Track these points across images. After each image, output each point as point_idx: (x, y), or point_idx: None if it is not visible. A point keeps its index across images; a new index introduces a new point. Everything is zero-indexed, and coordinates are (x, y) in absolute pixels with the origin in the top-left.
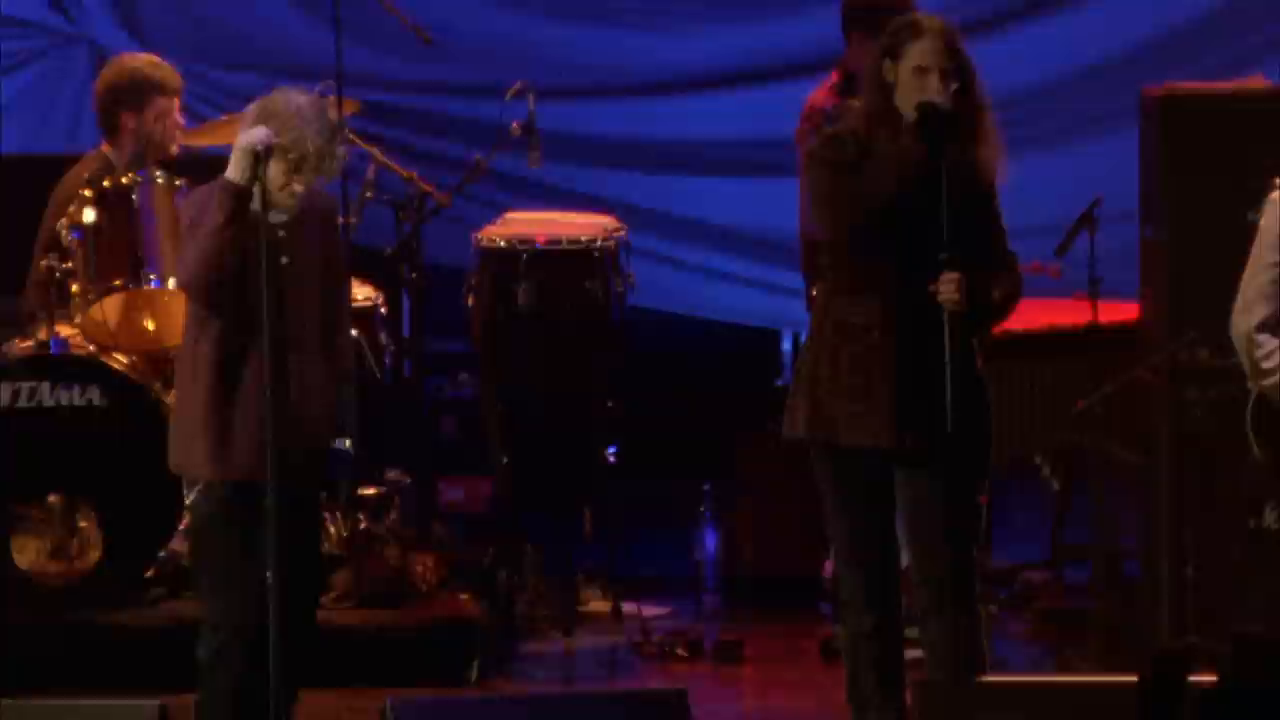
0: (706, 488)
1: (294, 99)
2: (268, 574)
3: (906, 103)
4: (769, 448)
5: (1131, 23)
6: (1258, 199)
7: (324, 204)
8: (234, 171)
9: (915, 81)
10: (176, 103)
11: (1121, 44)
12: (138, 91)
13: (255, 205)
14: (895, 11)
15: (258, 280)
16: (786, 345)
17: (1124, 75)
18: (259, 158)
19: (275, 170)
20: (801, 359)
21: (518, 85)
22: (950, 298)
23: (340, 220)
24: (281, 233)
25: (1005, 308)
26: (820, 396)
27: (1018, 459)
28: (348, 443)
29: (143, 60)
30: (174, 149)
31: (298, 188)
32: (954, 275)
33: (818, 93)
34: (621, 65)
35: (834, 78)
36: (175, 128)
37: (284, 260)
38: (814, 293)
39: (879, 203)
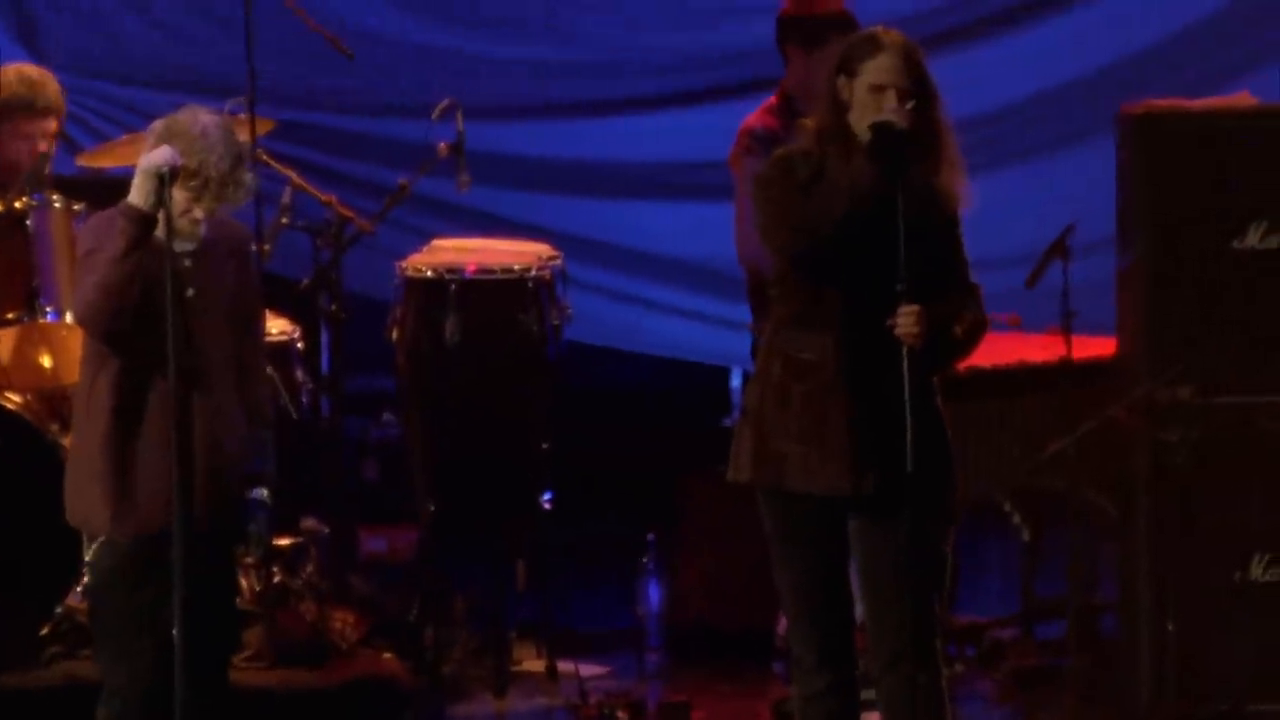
0: (650, 536)
1: (200, 119)
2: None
3: (862, 122)
4: (717, 493)
5: (1107, 37)
6: (1243, 225)
7: (234, 233)
8: (137, 195)
9: (871, 100)
10: (53, 123)
11: (1096, 59)
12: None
13: (159, 233)
14: (835, 24)
15: (162, 314)
16: (735, 383)
17: (1098, 92)
18: (164, 180)
19: (177, 195)
20: (747, 397)
21: (445, 103)
22: (909, 332)
23: (253, 249)
24: (187, 262)
25: (968, 343)
26: (767, 437)
27: (985, 506)
28: (265, 492)
29: (11, 75)
30: (46, 170)
31: (199, 214)
32: (913, 308)
33: (753, 115)
34: (558, 82)
35: (773, 99)
36: (40, 149)
37: (189, 293)
38: (751, 325)
39: (829, 228)
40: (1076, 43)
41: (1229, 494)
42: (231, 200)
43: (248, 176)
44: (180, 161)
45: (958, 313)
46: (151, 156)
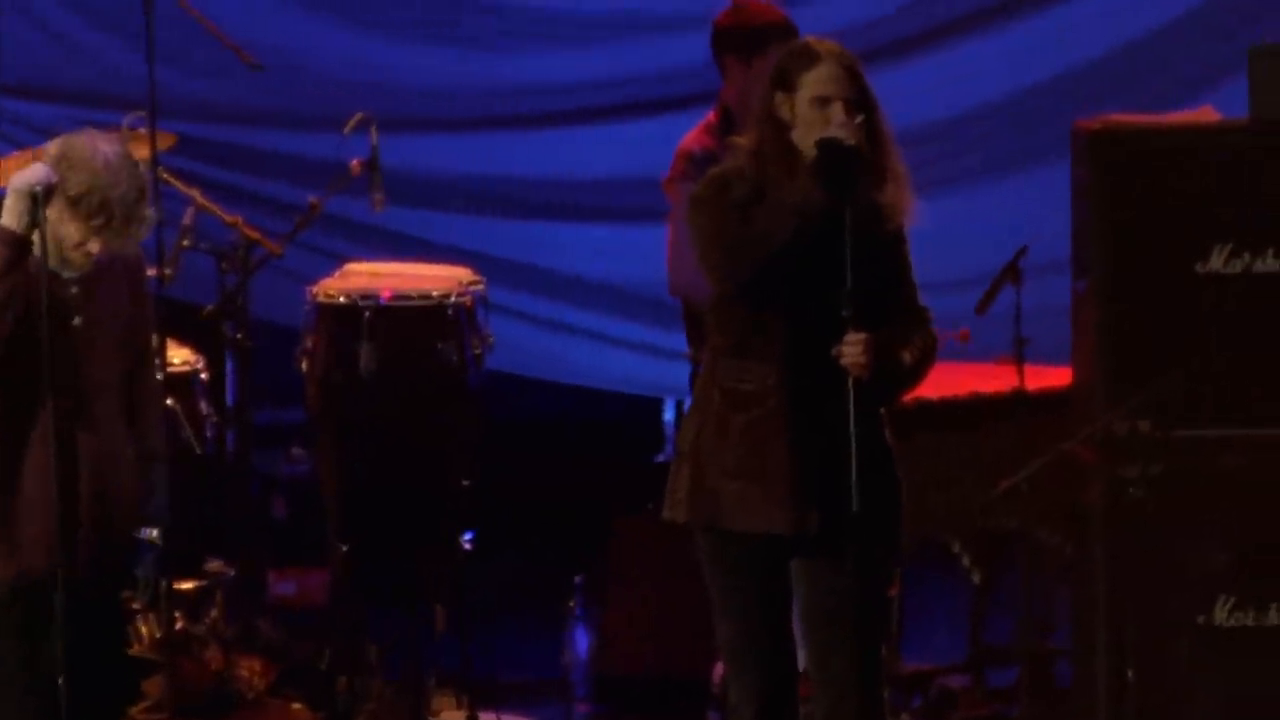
0: (578, 579)
1: (101, 148)
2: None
3: (807, 139)
4: (649, 532)
5: (1062, 46)
6: (1206, 248)
7: (128, 257)
8: (8, 216)
9: (815, 114)
10: None
11: (1050, 69)
12: None
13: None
14: (774, 32)
15: (43, 343)
16: (669, 415)
17: (1052, 105)
18: (37, 200)
19: (72, 227)
20: (684, 431)
21: (358, 116)
22: (855, 361)
23: (150, 273)
24: (74, 289)
25: (917, 371)
26: (705, 474)
27: (933, 546)
28: (153, 532)
29: None
30: None
31: (94, 249)
32: (860, 336)
33: (690, 135)
34: (479, 94)
35: (711, 118)
36: None
37: (75, 321)
38: (690, 354)
39: (774, 252)
40: (1029, 52)
41: (1191, 533)
42: (134, 237)
43: (150, 212)
44: (54, 179)
45: (907, 339)
46: (24, 174)
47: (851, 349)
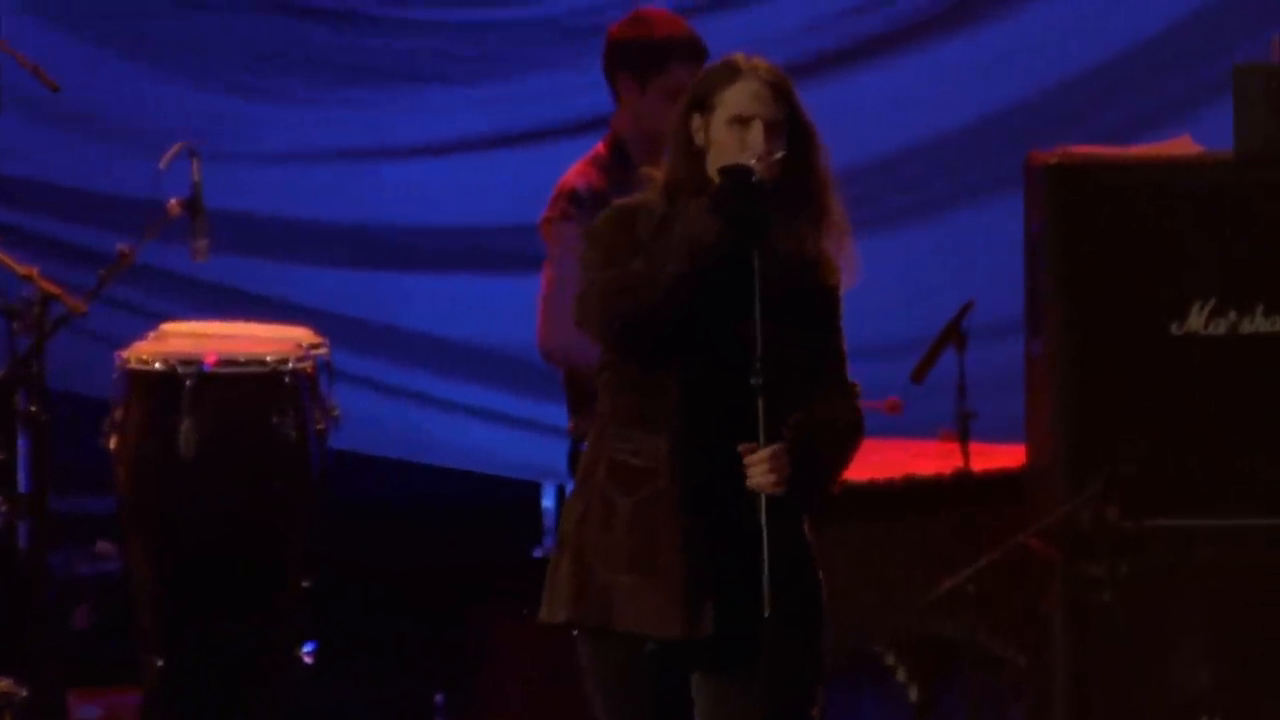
0: (439, 698)
1: None
2: None
3: (719, 166)
4: (525, 642)
5: (1019, 68)
6: (1183, 305)
7: None
8: None
9: (732, 137)
10: None
11: (1005, 95)
12: None
13: None
14: (678, 49)
15: None
16: (549, 502)
17: (1005, 135)
18: None
19: None
20: (566, 514)
21: (177, 147)
22: (763, 481)
23: None
24: None
25: (841, 462)
26: (588, 565)
27: (862, 657)
28: None
29: None
30: None
31: None
32: (762, 454)
33: (573, 170)
34: (323, 123)
35: (600, 149)
36: None
37: None
38: (570, 427)
39: (654, 296)
40: (981, 74)
41: (1168, 642)
42: None
43: None
44: None
45: (830, 422)
46: None
47: (756, 471)
